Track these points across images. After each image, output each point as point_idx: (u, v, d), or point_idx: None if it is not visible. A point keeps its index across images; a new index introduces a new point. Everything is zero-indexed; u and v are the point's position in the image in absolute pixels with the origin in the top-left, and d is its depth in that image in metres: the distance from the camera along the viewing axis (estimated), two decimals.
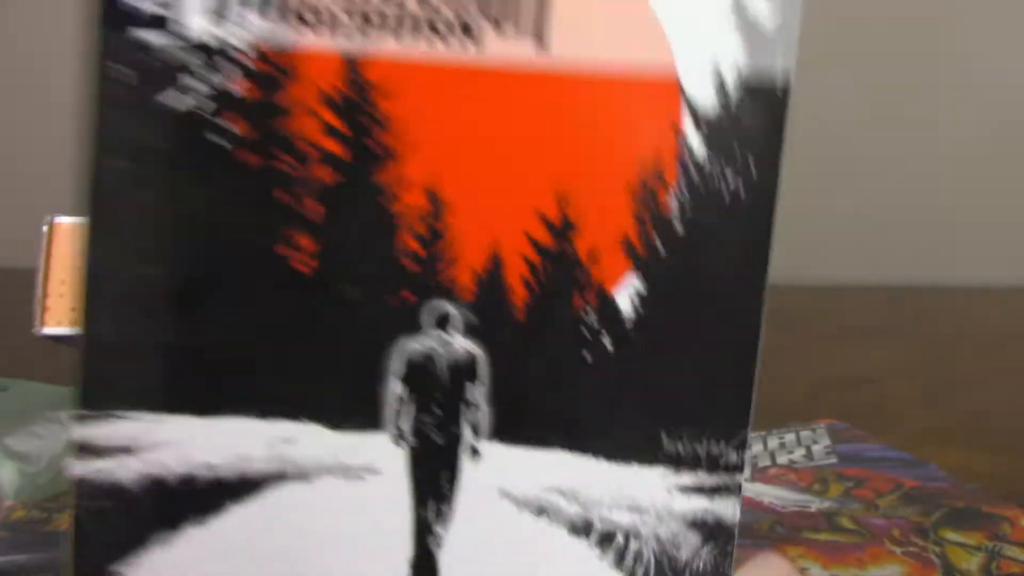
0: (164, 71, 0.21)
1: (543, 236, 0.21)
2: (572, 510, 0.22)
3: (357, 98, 0.21)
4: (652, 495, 0.22)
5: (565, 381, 0.22)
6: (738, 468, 0.22)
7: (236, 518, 0.22)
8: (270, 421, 0.22)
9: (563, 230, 0.21)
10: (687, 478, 0.22)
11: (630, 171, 0.21)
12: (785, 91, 0.22)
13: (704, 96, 0.21)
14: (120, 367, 0.21)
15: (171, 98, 0.21)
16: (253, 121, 0.21)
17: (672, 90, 0.21)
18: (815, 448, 0.46)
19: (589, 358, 0.22)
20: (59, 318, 0.45)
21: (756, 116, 0.21)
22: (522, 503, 0.22)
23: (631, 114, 0.21)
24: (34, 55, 1.00)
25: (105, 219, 0.21)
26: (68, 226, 0.46)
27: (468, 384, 0.22)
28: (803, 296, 0.87)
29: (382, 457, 0.22)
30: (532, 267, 0.21)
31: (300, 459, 0.22)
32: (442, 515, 0.22)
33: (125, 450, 0.22)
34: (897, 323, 0.77)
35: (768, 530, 0.37)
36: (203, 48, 0.21)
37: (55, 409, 0.50)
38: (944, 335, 0.73)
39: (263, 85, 0.21)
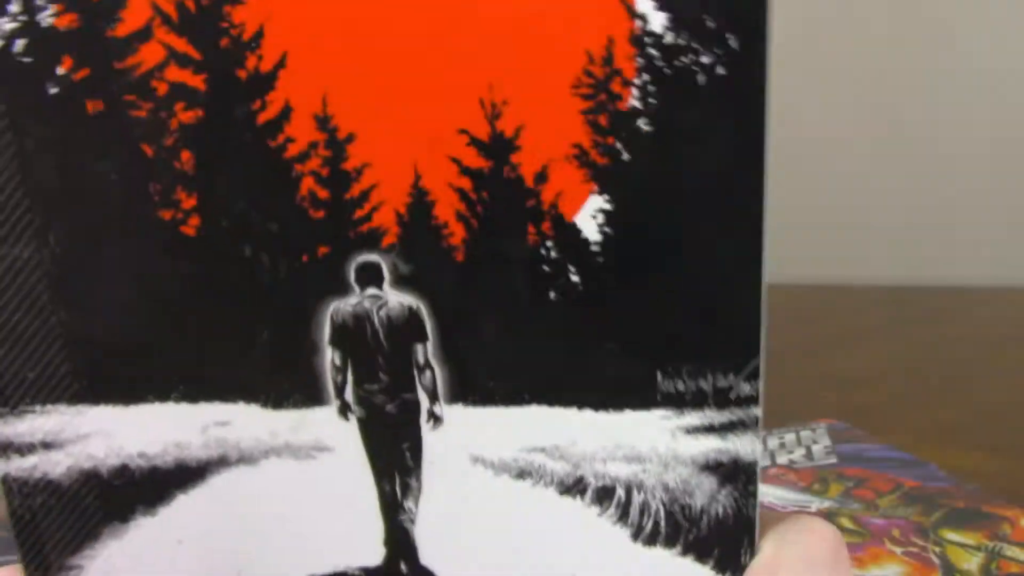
0: None
1: (473, 159, 0.17)
2: (559, 468, 0.20)
3: (203, 11, 0.17)
4: (653, 441, 0.19)
5: (528, 327, 0.19)
6: (753, 400, 0.18)
7: (184, 506, 0.20)
8: (199, 404, 0.20)
9: (497, 148, 0.17)
10: (693, 418, 0.19)
11: (574, 64, 0.16)
12: None
13: None
14: (20, 359, 0.19)
15: None
16: (85, 60, 0.17)
17: None
18: (815, 448, 0.46)
19: (553, 296, 0.18)
20: None
21: None
22: (499, 467, 0.20)
23: None
24: None
25: None
26: None
27: (414, 343, 0.19)
28: (803, 296, 0.87)
29: (331, 433, 0.20)
30: (466, 197, 0.18)
31: (240, 442, 0.20)
32: (410, 489, 0.20)
33: (47, 445, 0.20)
34: (897, 323, 0.77)
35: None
36: None
37: None
38: (944, 335, 0.73)
39: (88, 11, 0.17)
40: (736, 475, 0.19)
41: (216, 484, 0.20)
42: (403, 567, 0.20)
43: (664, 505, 0.19)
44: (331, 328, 0.19)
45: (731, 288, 0.17)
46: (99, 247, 0.18)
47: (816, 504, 0.39)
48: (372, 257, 0.18)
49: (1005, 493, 0.41)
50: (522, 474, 0.20)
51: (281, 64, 0.17)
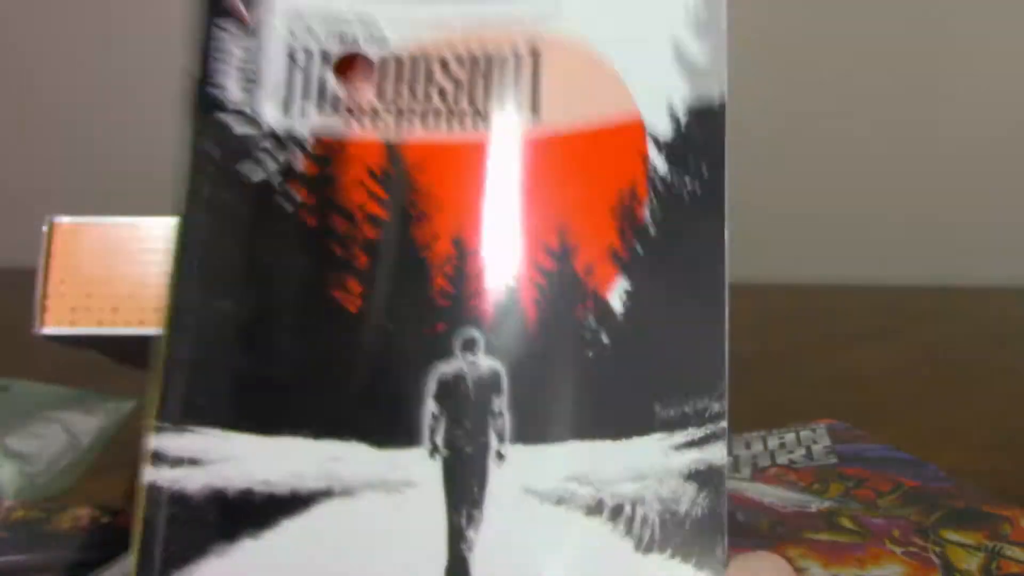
0: (242, 149, 0.26)
1: (548, 263, 0.25)
2: (586, 493, 0.24)
3: (395, 172, 0.26)
4: (651, 460, 0.24)
5: (572, 378, 0.25)
6: (721, 416, 0.24)
7: (287, 532, 0.24)
8: (321, 441, 0.24)
9: (563, 254, 0.25)
10: (679, 436, 0.24)
11: (612, 197, 0.26)
12: (722, 107, 0.26)
13: (662, 127, 0.26)
14: (195, 387, 0.25)
15: (247, 169, 0.26)
16: (312, 191, 0.25)
17: (638, 129, 0.26)
18: (815, 448, 0.46)
19: (591, 354, 0.25)
20: (59, 318, 0.45)
21: (702, 131, 0.26)
22: (543, 496, 0.24)
23: (609, 154, 0.26)
24: (34, 56, 1.00)
25: (189, 261, 0.25)
26: (68, 226, 0.46)
27: (493, 397, 0.25)
28: (803, 296, 0.87)
29: (419, 470, 0.24)
30: (540, 289, 0.25)
31: (346, 476, 0.24)
32: (473, 519, 0.24)
33: (193, 462, 0.24)
34: (897, 323, 0.77)
35: (768, 530, 0.37)
36: (273, 133, 0.26)
37: (55, 409, 0.50)
38: (944, 335, 0.73)
39: (320, 163, 0.26)
40: (711, 479, 0.24)
41: (317, 513, 0.24)
42: None
43: (659, 515, 0.24)
44: (437, 385, 0.25)
45: (706, 332, 0.25)
46: (282, 312, 0.25)
47: (816, 504, 0.39)
48: (474, 333, 0.25)
49: (1005, 493, 0.41)
50: (559, 501, 0.24)
51: (437, 207, 0.25)
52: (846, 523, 0.38)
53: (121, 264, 0.45)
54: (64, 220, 0.46)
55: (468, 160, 0.26)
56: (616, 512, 0.24)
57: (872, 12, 0.95)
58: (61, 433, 0.48)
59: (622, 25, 0.27)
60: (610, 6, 0.27)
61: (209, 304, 0.25)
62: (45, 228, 0.46)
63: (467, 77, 0.27)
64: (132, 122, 1.00)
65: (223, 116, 0.26)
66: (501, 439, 0.24)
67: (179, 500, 0.24)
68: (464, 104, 0.26)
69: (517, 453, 0.24)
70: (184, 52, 0.27)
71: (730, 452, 0.45)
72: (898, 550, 0.35)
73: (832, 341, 0.71)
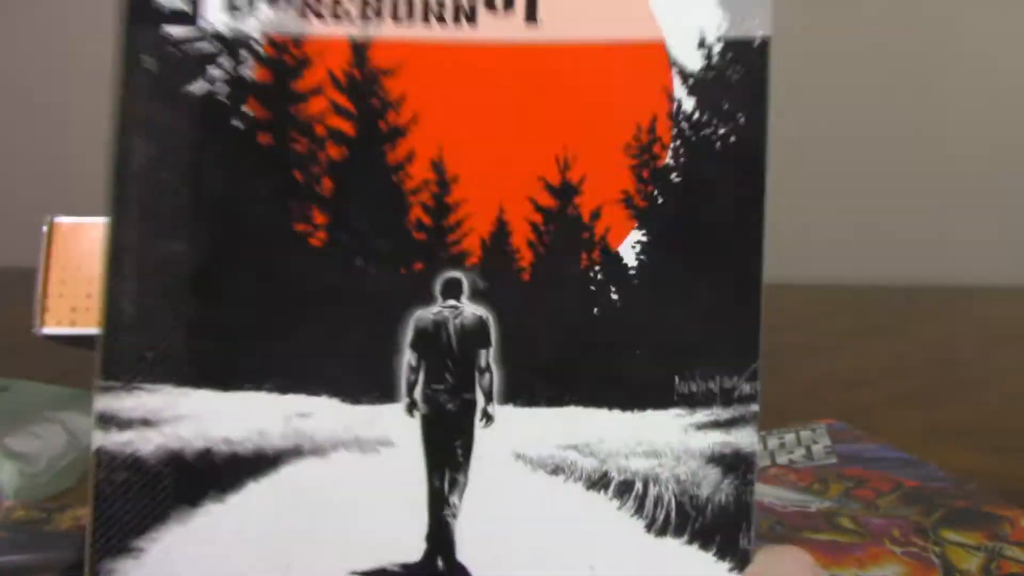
0: (186, 60, 0.22)
1: (546, 199, 0.22)
2: (588, 464, 0.22)
3: (364, 79, 0.22)
4: (668, 437, 0.22)
5: (575, 337, 0.22)
6: (752, 398, 0.22)
7: (254, 494, 0.22)
8: (287, 395, 0.22)
9: (565, 192, 0.22)
10: (702, 415, 0.22)
11: (627, 132, 0.22)
12: (764, 45, 0.22)
13: (690, 59, 0.22)
14: (143, 340, 0.22)
15: (192, 85, 0.22)
16: (268, 104, 0.22)
17: (661, 56, 0.22)
18: (815, 448, 0.46)
19: (597, 311, 0.22)
20: (59, 318, 0.45)
21: (738, 71, 0.22)
22: (537, 463, 0.22)
23: (623, 80, 0.22)
24: (34, 56, 1.00)
25: (130, 199, 0.22)
26: (68, 226, 0.46)
27: (479, 349, 0.22)
28: (803, 296, 0.87)
29: (396, 428, 0.22)
30: (536, 229, 0.22)
31: (316, 433, 0.22)
32: (456, 484, 0.22)
33: (146, 423, 0.22)
34: (897, 323, 0.77)
35: (768, 530, 0.37)
36: (220, 38, 0.22)
37: (55, 409, 0.50)
38: (944, 335, 0.73)
39: (277, 71, 0.22)
40: (737, 465, 0.22)
41: (286, 474, 0.22)
42: (440, 563, 0.22)
43: (676, 496, 0.22)
44: (413, 332, 0.22)
45: (737, 303, 0.22)
46: (238, 249, 0.22)
47: (816, 504, 0.39)
48: (456, 274, 0.22)
49: (1005, 493, 0.41)
50: (556, 470, 0.22)
51: (413, 121, 0.22)
52: (846, 523, 0.38)
53: None
54: (64, 220, 0.46)
55: (450, 65, 0.22)
56: (624, 488, 0.22)
57: (873, 12, 0.95)
58: (61, 433, 0.48)
59: None
60: None
61: (153, 244, 0.22)
62: (45, 228, 0.46)
63: None
64: None
65: (161, 24, 0.22)
66: (489, 397, 0.22)
67: (132, 465, 0.22)
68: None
69: (507, 414, 0.22)
70: None
71: None
72: (898, 550, 0.35)
73: (832, 341, 0.71)
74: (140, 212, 0.22)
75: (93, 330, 0.46)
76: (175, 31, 0.22)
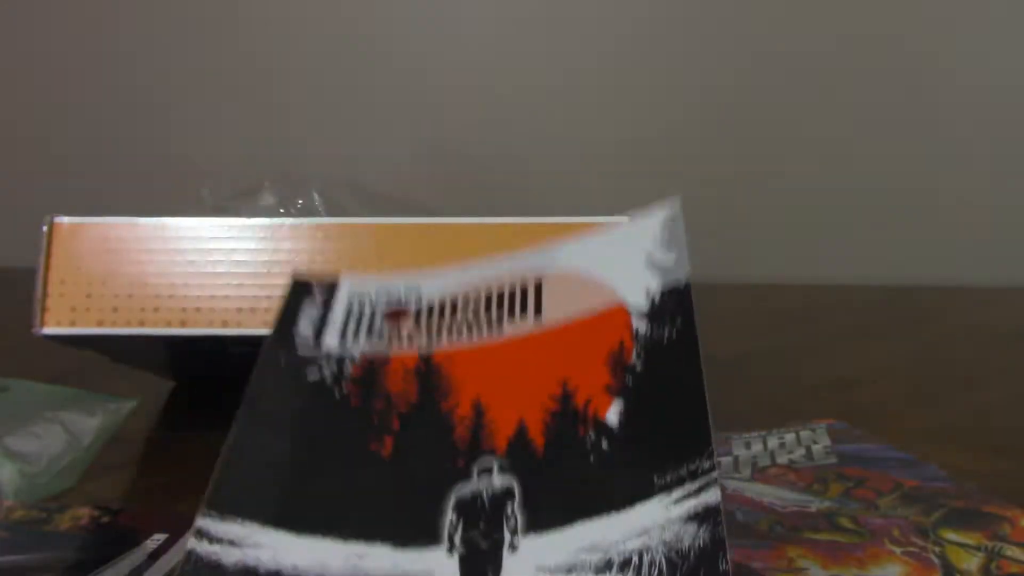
0: (304, 358, 0.34)
1: (553, 405, 0.32)
2: (595, 558, 0.27)
3: (426, 367, 0.34)
4: (654, 517, 0.28)
5: (578, 478, 0.29)
6: (712, 468, 0.28)
7: None
8: (349, 542, 0.28)
9: (565, 397, 0.32)
10: (678, 493, 0.28)
11: (604, 352, 0.33)
12: (687, 286, 0.34)
13: (641, 304, 0.34)
14: (249, 490, 0.30)
15: (307, 371, 0.34)
16: (359, 385, 0.33)
17: (621, 309, 0.34)
18: (815, 448, 0.46)
19: (592, 459, 0.30)
20: (59, 318, 0.45)
21: (673, 303, 0.33)
22: (555, 570, 0.27)
23: (600, 329, 0.33)
24: (34, 56, 1.00)
25: (255, 420, 0.32)
26: (68, 226, 0.46)
27: (507, 503, 0.29)
28: (803, 296, 0.87)
29: (438, 564, 0.27)
30: (546, 423, 0.31)
31: (370, 569, 0.27)
32: None
33: (232, 543, 0.28)
34: (897, 323, 0.77)
35: (768, 530, 0.37)
36: (329, 353, 0.34)
37: (55, 409, 0.50)
38: (944, 335, 0.73)
39: (366, 368, 0.34)
40: (708, 515, 0.27)
41: None
42: None
43: (664, 556, 0.27)
44: (455, 499, 0.29)
45: (690, 418, 0.30)
46: (326, 451, 0.31)
47: (816, 504, 0.39)
48: (488, 459, 0.30)
49: (1005, 493, 0.41)
50: (570, 570, 0.27)
51: (460, 386, 0.33)
52: (846, 523, 0.38)
53: (121, 264, 0.45)
54: (64, 220, 0.46)
55: (485, 354, 0.34)
56: (624, 565, 0.27)
57: (874, 12, 0.95)
58: (61, 433, 0.48)
59: (606, 255, 0.36)
60: (595, 247, 0.36)
61: (268, 445, 0.31)
62: (45, 228, 0.46)
63: (484, 303, 0.35)
64: (132, 123, 1.00)
65: (293, 339, 0.35)
66: (514, 532, 0.28)
67: (214, 568, 0.27)
68: (483, 319, 0.35)
69: (530, 541, 0.28)
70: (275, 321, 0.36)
71: (730, 452, 0.45)
72: (898, 550, 0.35)
73: (832, 341, 0.71)
74: (263, 433, 0.32)
75: (93, 330, 0.46)
76: (300, 344, 0.35)
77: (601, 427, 0.31)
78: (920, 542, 0.36)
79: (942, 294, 0.87)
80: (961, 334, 0.73)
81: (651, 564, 0.27)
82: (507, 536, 0.28)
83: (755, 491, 0.41)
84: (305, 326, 0.36)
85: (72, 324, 0.45)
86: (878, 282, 0.95)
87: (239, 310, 0.46)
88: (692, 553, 0.27)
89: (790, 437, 0.47)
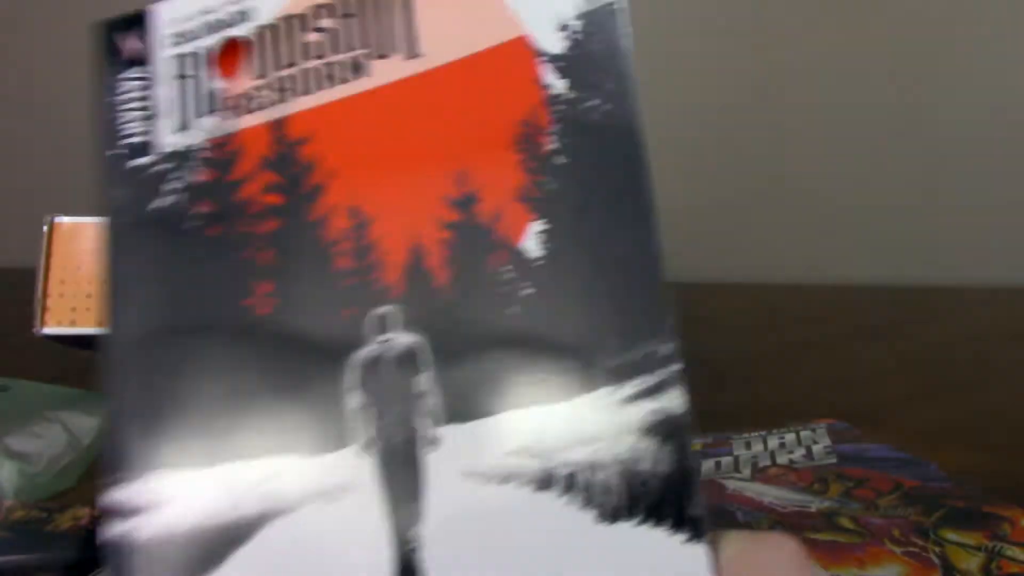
0: (147, 183, 0.26)
1: (451, 214, 0.24)
2: (533, 466, 0.22)
3: (284, 151, 0.25)
4: (601, 419, 0.22)
5: (499, 340, 0.23)
6: (671, 358, 0.22)
7: (238, 565, 0.23)
8: (257, 460, 0.23)
9: (466, 202, 0.24)
10: (629, 388, 0.22)
11: (510, 129, 0.24)
12: (613, 7, 0.24)
13: (554, 44, 0.24)
14: (133, 437, 0.24)
15: (156, 203, 0.25)
16: (212, 198, 0.25)
17: (526, 50, 0.24)
18: (815, 448, 0.46)
19: (516, 309, 0.23)
20: (59, 318, 0.45)
21: (600, 41, 0.24)
22: (486, 476, 0.22)
23: (497, 82, 0.24)
24: (34, 58, 1.00)
25: (119, 312, 0.25)
26: (68, 226, 0.46)
27: (416, 376, 0.23)
28: (803, 296, 0.87)
29: (352, 472, 0.23)
30: (448, 246, 0.23)
31: (284, 492, 0.23)
32: (414, 516, 0.22)
33: (142, 510, 0.24)
34: (897, 323, 0.77)
35: (768, 530, 0.37)
36: (174, 155, 0.26)
37: (55, 409, 0.50)
38: (944, 335, 0.73)
39: (215, 167, 0.25)
40: (672, 432, 0.22)
41: (261, 538, 0.23)
42: None
43: (620, 478, 0.22)
44: (352, 374, 0.23)
45: (639, 271, 0.23)
46: (205, 334, 0.24)
47: (816, 504, 0.39)
48: (382, 310, 0.23)
49: (1005, 493, 0.41)
50: (504, 479, 0.22)
51: (329, 177, 0.24)
52: (846, 523, 0.38)
53: None
54: (64, 220, 0.46)
55: (353, 117, 0.25)
56: (570, 482, 0.22)
57: (875, 13, 0.95)
58: (61, 433, 0.48)
59: None
60: None
61: (140, 347, 0.24)
62: (45, 228, 0.46)
63: (340, 26, 0.25)
64: None
65: (128, 163, 0.26)
66: (433, 421, 0.23)
67: (134, 553, 0.23)
68: (340, 56, 0.25)
69: (451, 434, 0.23)
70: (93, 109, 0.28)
71: (730, 452, 0.45)
72: (898, 550, 0.35)
73: (832, 341, 0.71)
74: (127, 323, 0.25)
75: (93, 330, 0.46)
76: (140, 164, 0.26)
77: (520, 259, 0.23)
78: (920, 542, 0.36)
79: (942, 294, 0.87)
80: (961, 334, 0.73)
81: (604, 487, 0.22)
82: (424, 425, 0.23)
83: (755, 491, 0.41)
84: (132, 119, 0.27)
85: (72, 324, 0.45)
86: (878, 282, 0.95)
87: None
88: (654, 483, 0.22)
89: (790, 437, 0.47)
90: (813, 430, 0.49)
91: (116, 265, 0.25)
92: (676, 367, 0.22)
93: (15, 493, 0.43)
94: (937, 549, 0.35)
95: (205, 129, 0.25)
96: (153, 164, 0.26)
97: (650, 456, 0.22)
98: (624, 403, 0.22)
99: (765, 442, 0.47)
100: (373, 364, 0.23)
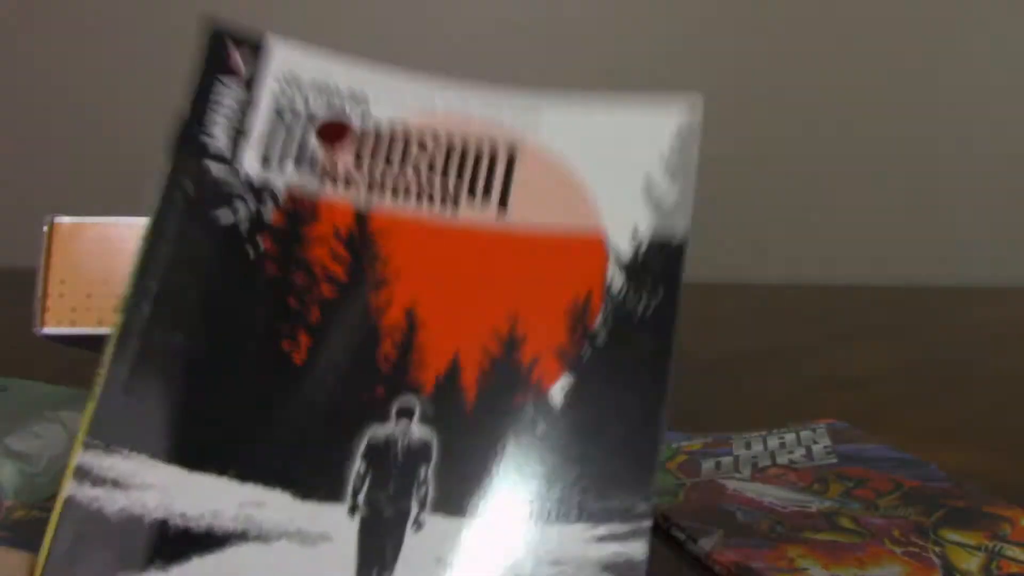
0: (217, 192, 0.27)
1: (495, 348, 0.27)
2: (500, 571, 0.25)
3: (360, 236, 0.27)
4: (570, 548, 0.25)
5: (502, 460, 0.26)
6: (647, 515, 0.25)
7: (197, 569, 0.24)
8: (245, 484, 0.25)
9: (511, 343, 0.27)
10: (602, 529, 0.25)
11: (567, 300, 0.27)
12: (681, 245, 0.28)
13: (624, 247, 0.28)
14: (131, 411, 0.25)
15: (218, 212, 0.27)
16: (277, 241, 0.27)
17: (599, 244, 0.28)
18: (815, 448, 0.46)
19: (524, 440, 0.26)
20: (59, 318, 0.45)
21: (660, 261, 0.28)
22: (454, 568, 0.24)
23: (570, 261, 0.28)
24: (35, 56, 1.00)
25: (146, 291, 0.26)
26: (68, 226, 0.46)
27: (421, 465, 0.26)
28: (803, 296, 0.87)
29: (337, 526, 0.25)
30: (483, 371, 0.27)
31: (264, 522, 0.24)
32: None
33: (116, 484, 0.24)
34: (897, 323, 0.77)
35: (768, 530, 0.37)
36: (250, 183, 0.27)
37: (55, 409, 0.50)
38: (944, 335, 0.73)
39: (289, 217, 0.27)
40: (628, 572, 0.25)
41: (231, 554, 0.24)
42: None
43: None
44: (367, 445, 0.25)
45: (640, 439, 0.26)
46: (230, 353, 0.26)
47: (816, 504, 0.39)
48: (411, 400, 0.26)
49: (1005, 493, 0.41)
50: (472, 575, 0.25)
51: (395, 276, 0.27)
52: (846, 523, 0.38)
53: (121, 264, 0.45)
54: (64, 220, 0.46)
55: (433, 237, 0.28)
56: None
57: (876, 13, 0.95)
58: (61, 433, 0.48)
59: (599, 150, 0.29)
60: (590, 131, 0.29)
61: (159, 334, 0.26)
62: (45, 228, 0.46)
63: (443, 162, 0.28)
64: (132, 123, 1.00)
65: (204, 159, 0.28)
66: (422, 507, 0.25)
67: (95, 519, 0.24)
68: (437, 185, 0.28)
69: (435, 523, 0.25)
70: (181, 94, 0.29)
71: (730, 452, 0.45)
72: (898, 550, 0.35)
73: (832, 341, 0.71)
74: (152, 303, 0.26)
75: (93, 330, 0.46)
76: (214, 168, 0.27)
77: (542, 403, 0.26)
78: (920, 542, 0.36)
79: (942, 294, 0.87)
80: (961, 334, 0.73)
81: None
82: (414, 508, 0.25)
83: (755, 491, 0.41)
84: (220, 126, 0.28)
85: (72, 324, 0.45)
86: (878, 282, 0.95)
87: None
88: None
89: (790, 437, 0.47)
90: (813, 430, 0.49)
91: (163, 249, 0.26)
92: (647, 523, 0.25)
93: (15, 493, 0.43)
94: (937, 549, 0.35)
95: (289, 175, 0.27)
96: (227, 177, 0.27)
97: None
98: (595, 541, 0.25)
99: (765, 442, 0.47)
100: (387, 443, 0.26)
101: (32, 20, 1.00)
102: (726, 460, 0.44)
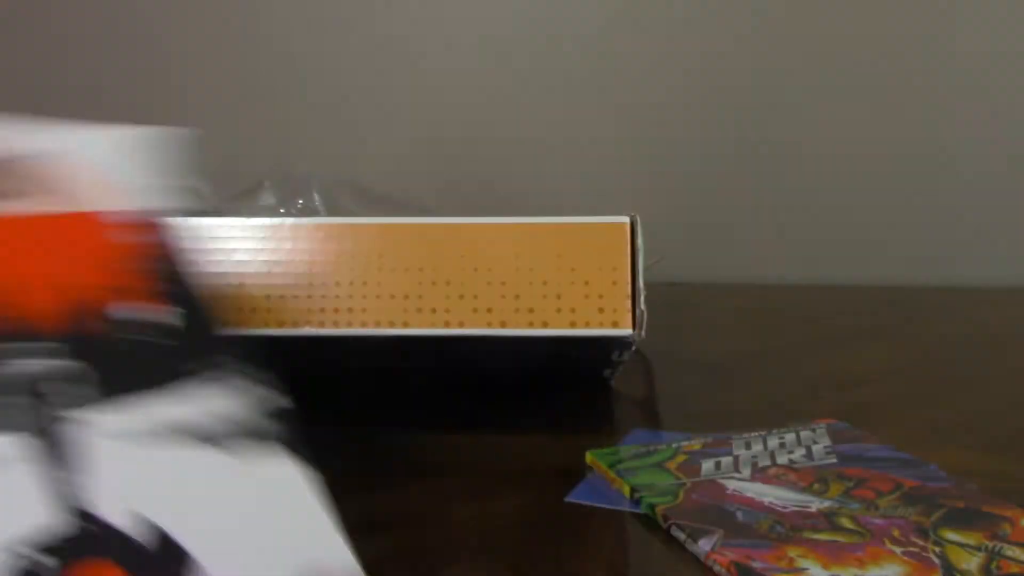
0: None
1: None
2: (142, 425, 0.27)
3: None
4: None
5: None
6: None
7: None
8: None
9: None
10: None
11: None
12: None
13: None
14: None
15: None
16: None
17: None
18: (815, 448, 0.46)
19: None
20: None
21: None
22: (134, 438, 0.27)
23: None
24: (35, 55, 1.00)
25: None
26: None
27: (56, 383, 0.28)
28: (803, 296, 0.87)
29: (10, 449, 0.26)
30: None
31: None
32: (74, 484, 0.26)
33: None
34: (897, 323, 0.77)
35: (768, 530, 0.37)
36: None
37: None
38: (944, 335, 0.73)
39: None
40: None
41: None
42: None
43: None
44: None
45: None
46: None
47: (816, 504, 0.39)
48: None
49: (1005, 493, 0.41)
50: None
51: None
52: (846, 523, 0.38)
53: None
54: None
55: None
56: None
57: (877, 14, 0.95)
58: None
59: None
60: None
61: None
62: None
63: None
64: (132, 122, 1.00)
65: None
66: (79, 408, 0.27)
67: None
68: None
69: (98, 414, 0.27)
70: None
71: (730, 452, 0.45)
72: (898, 550, 0.35)
73: (832, 341, 0.71)
74: None
75: None
76: None
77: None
78: (920, 542, 0.36)
79: (942, 294, 0.87)
80: (961, 334, 0.73)
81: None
82: (75, 412, 0.28)
83: (755, 491, 0.41)
84: None
85: None
86: (878, 282, 0.95)
87: (239, 310, 0.46)
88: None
89: (790, 437, 0.47)
90: (813, 430, 0.49)
91: None
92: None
93: None
94: (937, 549, 0.35)
95: None
96: None
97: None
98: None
99: (765, 442, 0.47)
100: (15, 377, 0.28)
101: (33, 20, 1.00)
102: (726, 460, 0.44)
